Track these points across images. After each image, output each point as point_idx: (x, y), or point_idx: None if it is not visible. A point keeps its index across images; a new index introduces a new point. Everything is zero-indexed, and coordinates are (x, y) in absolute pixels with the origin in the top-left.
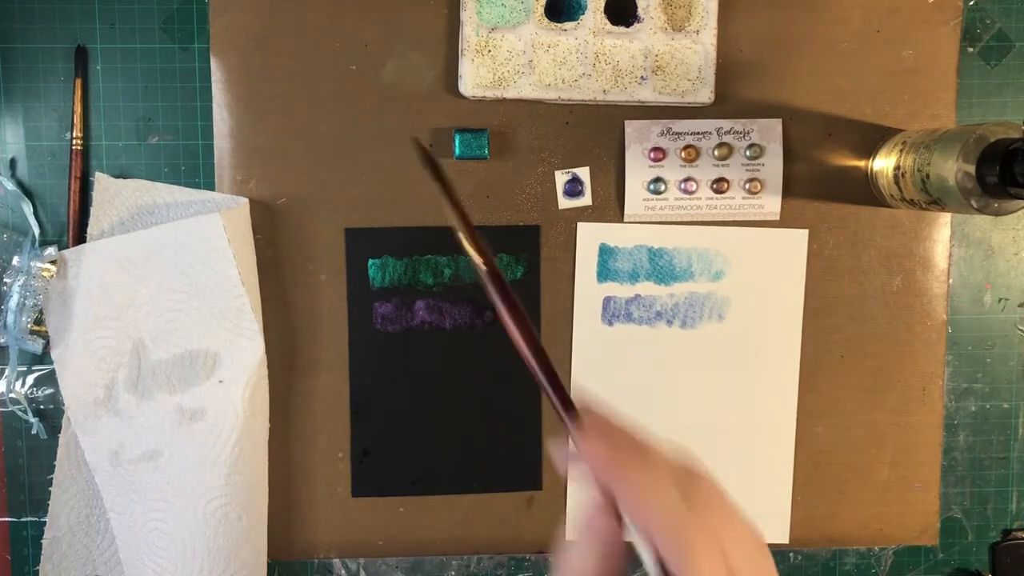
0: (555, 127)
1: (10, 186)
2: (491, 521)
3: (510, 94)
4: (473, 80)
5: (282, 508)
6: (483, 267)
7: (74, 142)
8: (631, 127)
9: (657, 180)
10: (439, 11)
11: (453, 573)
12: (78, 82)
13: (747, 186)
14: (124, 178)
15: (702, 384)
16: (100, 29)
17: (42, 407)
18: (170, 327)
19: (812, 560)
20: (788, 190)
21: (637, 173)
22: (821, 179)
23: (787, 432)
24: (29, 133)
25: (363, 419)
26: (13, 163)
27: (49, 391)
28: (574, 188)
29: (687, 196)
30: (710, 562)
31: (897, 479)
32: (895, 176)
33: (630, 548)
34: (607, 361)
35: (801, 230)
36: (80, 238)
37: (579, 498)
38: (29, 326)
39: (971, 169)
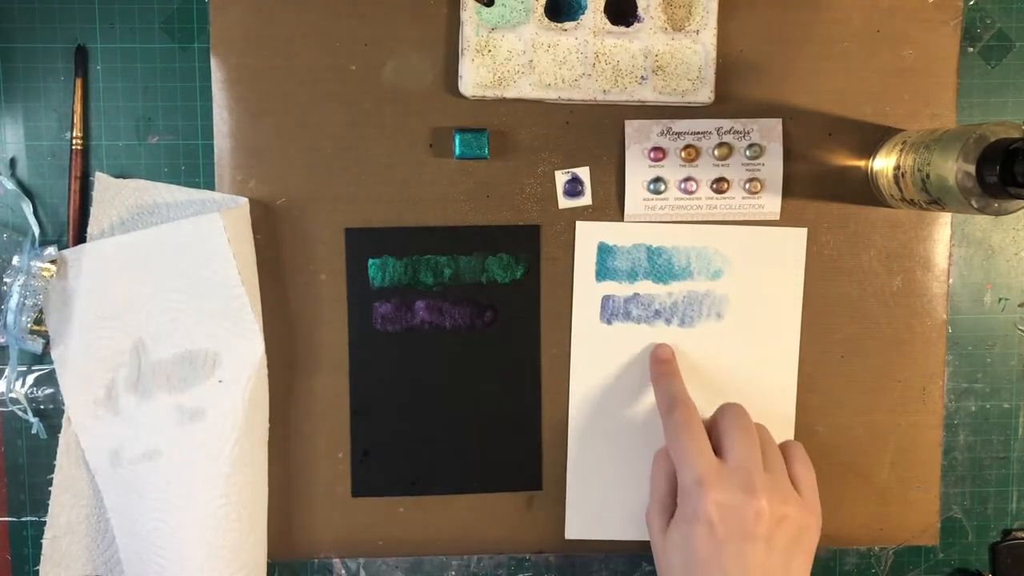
0: (555, 127)
1: (10, 186)
2: (491, 521)
3: (510, 94)
4: (473, 80)
5: (282, 508)
6: None
7: (74, 142)
8: (631, 127)
9: (657, 180)
10: (439, 11)
11: (453, 573)
12: (78, 82)
13: (747, 186)
14: (124, 178)
15: (701, 383)
16: (100, 29)
17: (42, 407)
18: (170, 327)
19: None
20: (788, 190)
21: (637, 173)
22: (821, 179)
23: (787, 432)
24: (29, 133)
25: (363, 419)
26: (13, 163)
27: (49, 391)
28: (574, 188)
29: (687, 196)
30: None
31: (897, 479)
32: (895, 176)
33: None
34: (606, 360)
35: (800, 229)
36: (80, 238)
37: (578, 497)
38: (29, 326)
39: (971, 169)
